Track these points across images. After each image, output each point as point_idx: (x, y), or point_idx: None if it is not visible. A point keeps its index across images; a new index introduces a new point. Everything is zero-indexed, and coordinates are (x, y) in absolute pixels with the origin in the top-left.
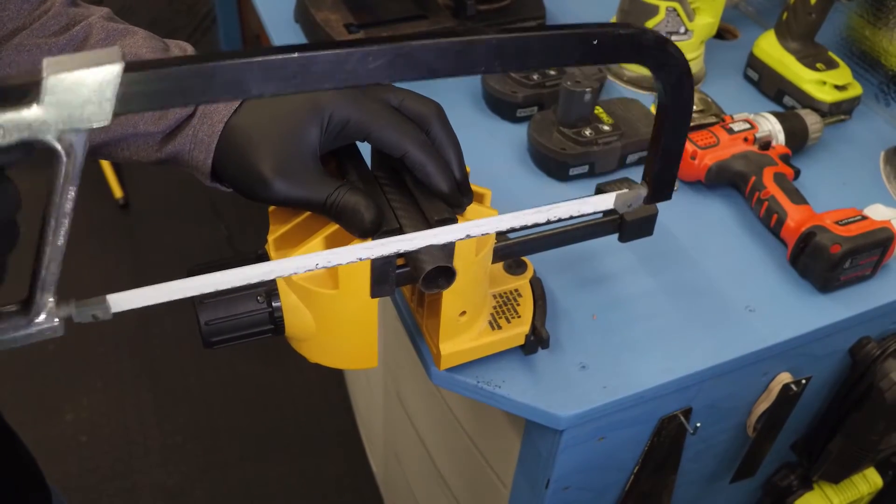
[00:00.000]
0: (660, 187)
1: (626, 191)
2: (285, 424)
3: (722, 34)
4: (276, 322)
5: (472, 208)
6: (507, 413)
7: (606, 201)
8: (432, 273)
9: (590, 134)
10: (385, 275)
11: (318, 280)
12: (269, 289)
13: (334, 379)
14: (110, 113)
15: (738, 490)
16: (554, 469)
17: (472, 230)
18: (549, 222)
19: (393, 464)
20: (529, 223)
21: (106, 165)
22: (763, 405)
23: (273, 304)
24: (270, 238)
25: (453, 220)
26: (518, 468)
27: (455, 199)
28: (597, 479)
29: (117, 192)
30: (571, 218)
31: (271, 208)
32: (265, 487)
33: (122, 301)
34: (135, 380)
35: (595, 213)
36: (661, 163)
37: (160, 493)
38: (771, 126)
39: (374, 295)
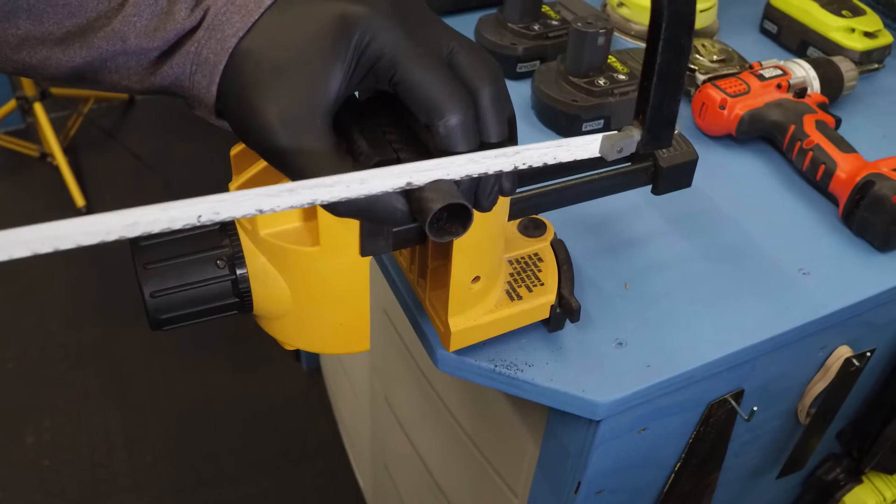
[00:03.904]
0: (656, 128)
1: (613, 132)
2: (262, 438)
3: None
4: (241, 294)
5: None
6: (518, 409)
7: (589, 145)
8: (442, 214)
9: (604, 83)
10: (379, 225)
11: (294, 235)
12: (231, 251)
13: (313, 385)
14: None
15: (778, 487)
16: (587, 469)
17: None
18: (515, 169)
19: (382, 476)
20: (492, 170)
21: (66, 171)
22: (819, 385)
23: (237, 270)
24: (232, 186)
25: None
26: (538, 473)
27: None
28: (634, 478)
29: (79, 199)
30: (546, 166)
31: (234, 151)
32: None
33: None
34: (100, 397)
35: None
36: (658, 95)
37: None
38: (805, 72)
39: (364, 252)
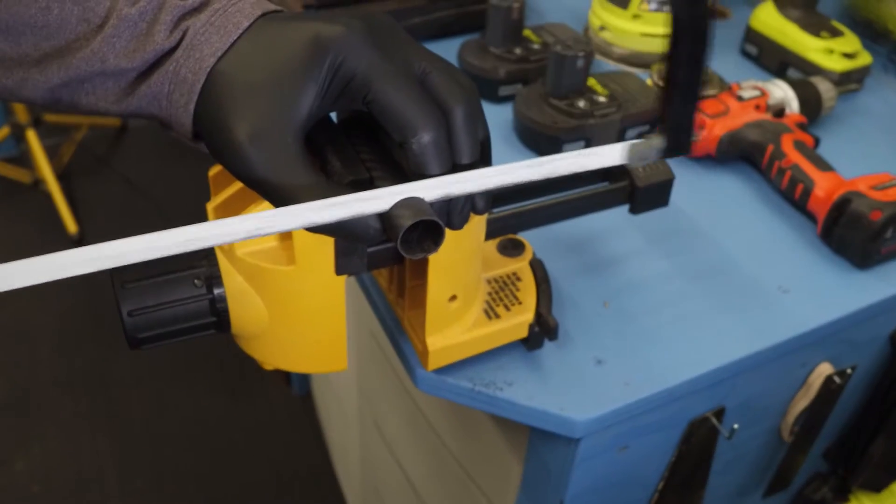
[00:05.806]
0: (678, 135)
1: (638, 141)
2: (254, 463)
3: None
4: (218, 313)
5: None
6: (502, 430)
7: (614, 154)
8: (413, 232)
9: (584, 106)
10: (353, 244)
11: (270, 255)
12: (208, 271)
13: (304, 410)
14: None
15: None
16: (569, 488)
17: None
18: (545, 181)
19: (372, 501)
20: (523, 179)
21: (58, 198)
22: (802, 403)
23: (214, 290)
24: (210, 206)
25: None
26: (522, 493)
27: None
28: (617, 498)
29: (71, 226)
30: (573, 175)
31: (212, 172)
32: None
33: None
34: (90, 423)
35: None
36: (678, 102)
37: None
38: (784, 93)
39: (339, 271)
